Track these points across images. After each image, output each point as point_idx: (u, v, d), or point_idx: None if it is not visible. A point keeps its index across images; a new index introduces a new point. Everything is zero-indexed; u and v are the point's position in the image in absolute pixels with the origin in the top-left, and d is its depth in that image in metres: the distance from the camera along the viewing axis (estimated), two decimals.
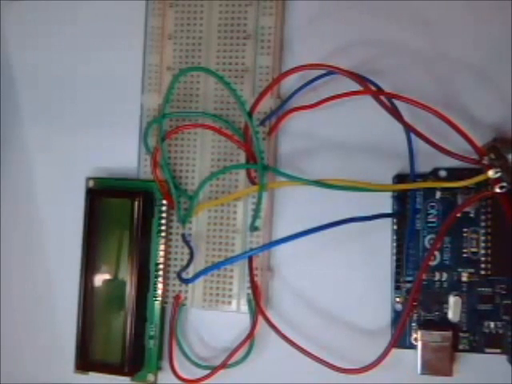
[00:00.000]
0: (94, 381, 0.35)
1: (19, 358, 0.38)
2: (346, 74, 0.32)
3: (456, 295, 0.32)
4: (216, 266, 0.34)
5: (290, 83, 0.34)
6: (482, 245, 0.32)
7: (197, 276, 0.34)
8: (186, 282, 0.34)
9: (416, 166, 0.33)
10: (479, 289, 0.32)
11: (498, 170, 0.30)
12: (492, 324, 0.32)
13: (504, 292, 0.32)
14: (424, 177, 0.33)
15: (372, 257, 0.33)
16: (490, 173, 0.30)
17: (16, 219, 0.38)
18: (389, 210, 0.33)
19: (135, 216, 0.34)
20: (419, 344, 0.32)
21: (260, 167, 0.34)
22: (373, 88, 0.32)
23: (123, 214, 0.35)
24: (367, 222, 0.32)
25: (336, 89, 0.33)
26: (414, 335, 0.32)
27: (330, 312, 0.34)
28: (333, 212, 0.32)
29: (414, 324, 0.32)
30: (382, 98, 0.32)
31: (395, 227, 0.33)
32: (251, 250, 0.34)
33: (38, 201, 0.38)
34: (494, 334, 0.31)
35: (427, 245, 0.32)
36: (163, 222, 0.35)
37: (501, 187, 0.30)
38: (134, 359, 0.34)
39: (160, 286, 0.35)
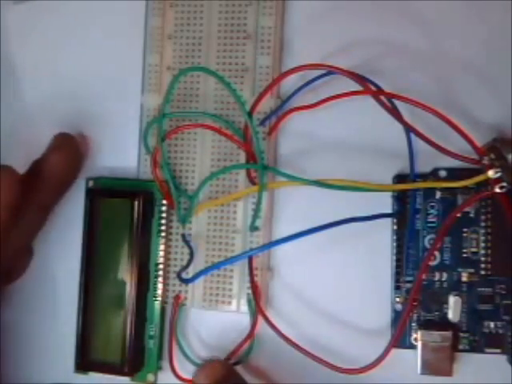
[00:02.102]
0: (94, 381, 0.35)
1: (19, 358, 0.38)
2: (345, 74, 0.32)
3: (456, 295, 0.32)
4: (216, 265, 0.34)
5: (290, 83, 0.34)
6: (482, 245, 0.32)
7: (197, 276, 0.34)
8: (186, 281, 0.34)
9: (416, 166, 0.33)
10: (479, 289, 0.32)
11: (498, 170, 0.30)
12: (492, 324, 0.32)
13: (504, 292, 0.32)
14: (424, 177, 0.33)
15: (372, 257, 0.33)
16: (490, 173, 0.30)
17: None
18: (389, 210, 0.33)
19: (135, 216, 0.34)
20: (419, 344, 0.32)
21: (260, 167, 0.34)
22: (373, 88, 0.32)
23: (123, 214, 0.35)
24: (367, 222, 0.32)
25: (336, 89, 0.33)
26: (414, 335, 0.32)
27: (330, 312, 0.34)
28: (333, 212, 0.31)
29: (414, 324, 0.32)
30: (382, 97, 0.32)
31: (395, 227, 0.33)
32: (251, 249, 0.34)
33: None
34: (494, 333, 0.32)
35: (427, 245, 0.32)
36: (163, 222, 0.35)
37: (501, 187, 0.30)
38: (134, 359, 0.34)
39: (160, 285, 0.35)
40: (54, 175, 0.35)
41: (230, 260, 0.33)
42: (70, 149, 0.36)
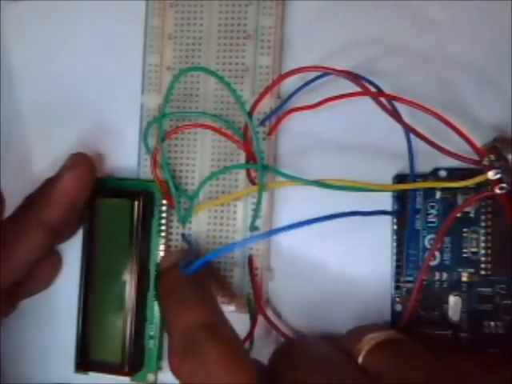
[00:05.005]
0: (94, 381, 0.35)
1: (19, 358, 0.38)
2: (344, 76, 0.32)
3: (456, 295, 0.32)
4: (215, 253, 0.33)
5: (290, 83, 0.34)
6: (482, 245, 0.32)
7: (195, 266, 0.33)
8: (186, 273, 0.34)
9: (416, 166, 0.33)
10: (479, 289, 0.32)
11: (498, 171, 0.30)
12: (492, 324, 0.32)
13: (504, 292, 0.32)
14: (424, 177, 0.33)
15: (372, 257, 0.33)
16: (490, 174, 0.30)
17: None
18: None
19: (135, 216, 0.34)
20: None
21: (260, 167, 0.34)
22: (372, 89, 0.32)
23: (123, 214, 0.35)
24: (367, 223, 0.31)
25: (336, 89, 0.33)
26: None
27: (329, 312, 0.34)
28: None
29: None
30: (382, 99, 0.32)
31: (395, 227, 0.33)
32: (251, 237, 0.34)
33: None
34: (494, 333, 0.32)
35: (427, 245, 0.32)
36: (163, 222, 0.35)
37: (501, 188, 0.30)
38: (134, 359, 0.34)
39: None
40: (64, 197, 0.34)
41: (231, 246, 0.33)
42: (84, 171, 0.35)
